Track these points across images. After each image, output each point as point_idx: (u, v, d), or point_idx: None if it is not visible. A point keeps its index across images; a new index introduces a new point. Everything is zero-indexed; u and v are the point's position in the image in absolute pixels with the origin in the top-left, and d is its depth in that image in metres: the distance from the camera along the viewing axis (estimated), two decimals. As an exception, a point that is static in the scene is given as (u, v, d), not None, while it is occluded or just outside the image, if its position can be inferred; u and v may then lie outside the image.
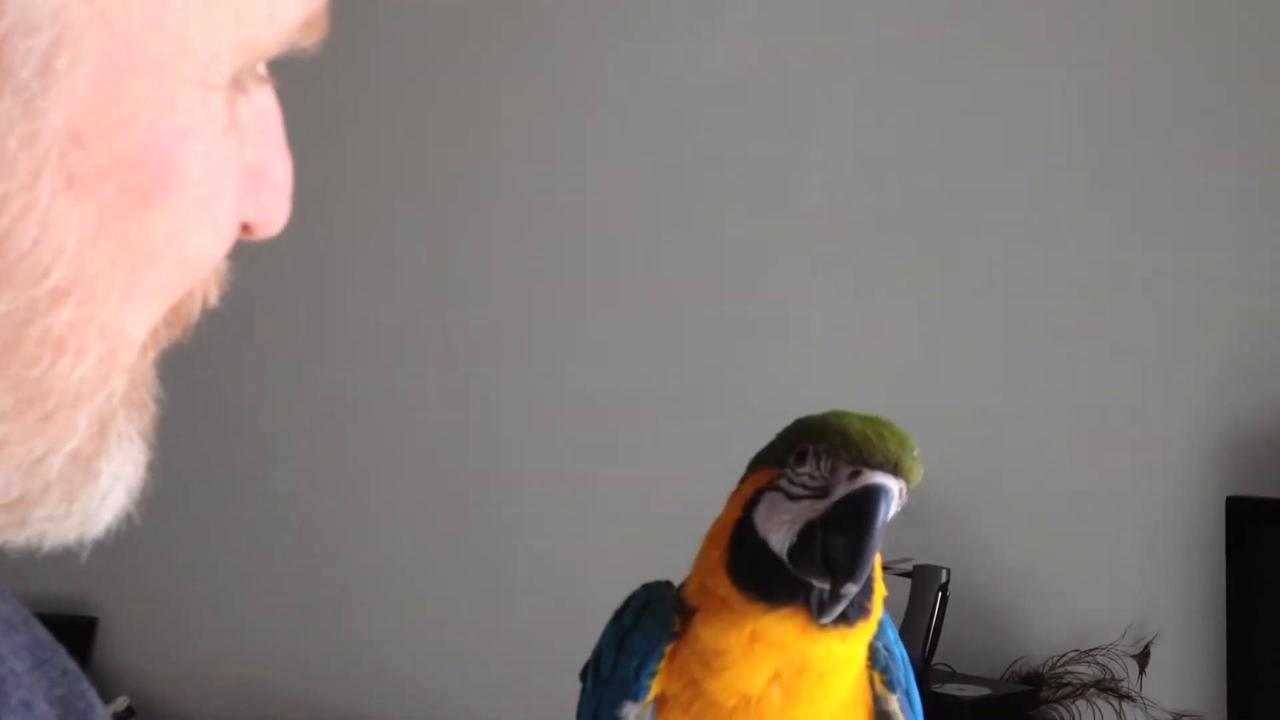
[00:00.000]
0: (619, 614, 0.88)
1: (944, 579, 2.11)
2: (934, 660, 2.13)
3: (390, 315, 2.57)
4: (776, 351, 2.40)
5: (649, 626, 0.84)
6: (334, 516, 2.56)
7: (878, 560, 0.79)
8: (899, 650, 0.86)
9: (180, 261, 0.38)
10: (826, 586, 0.76)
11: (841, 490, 0.77)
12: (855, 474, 0.77)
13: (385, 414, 2.55)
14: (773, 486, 0.80)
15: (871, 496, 0.76)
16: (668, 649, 0.82)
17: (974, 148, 2.34)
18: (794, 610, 0.77)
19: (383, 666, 2.50)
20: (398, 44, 2.58)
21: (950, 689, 2.10)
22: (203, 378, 2.45)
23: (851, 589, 0.76)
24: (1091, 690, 2.16)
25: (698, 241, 2.44)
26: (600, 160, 2.49)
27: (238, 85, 0.39)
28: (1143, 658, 2.18)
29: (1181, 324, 2.25)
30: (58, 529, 0.38)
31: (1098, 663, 2.18)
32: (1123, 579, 2.24)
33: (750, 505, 0.81)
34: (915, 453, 0.78)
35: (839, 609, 0.76)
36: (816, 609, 0.77)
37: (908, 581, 2.12)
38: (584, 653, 0.89)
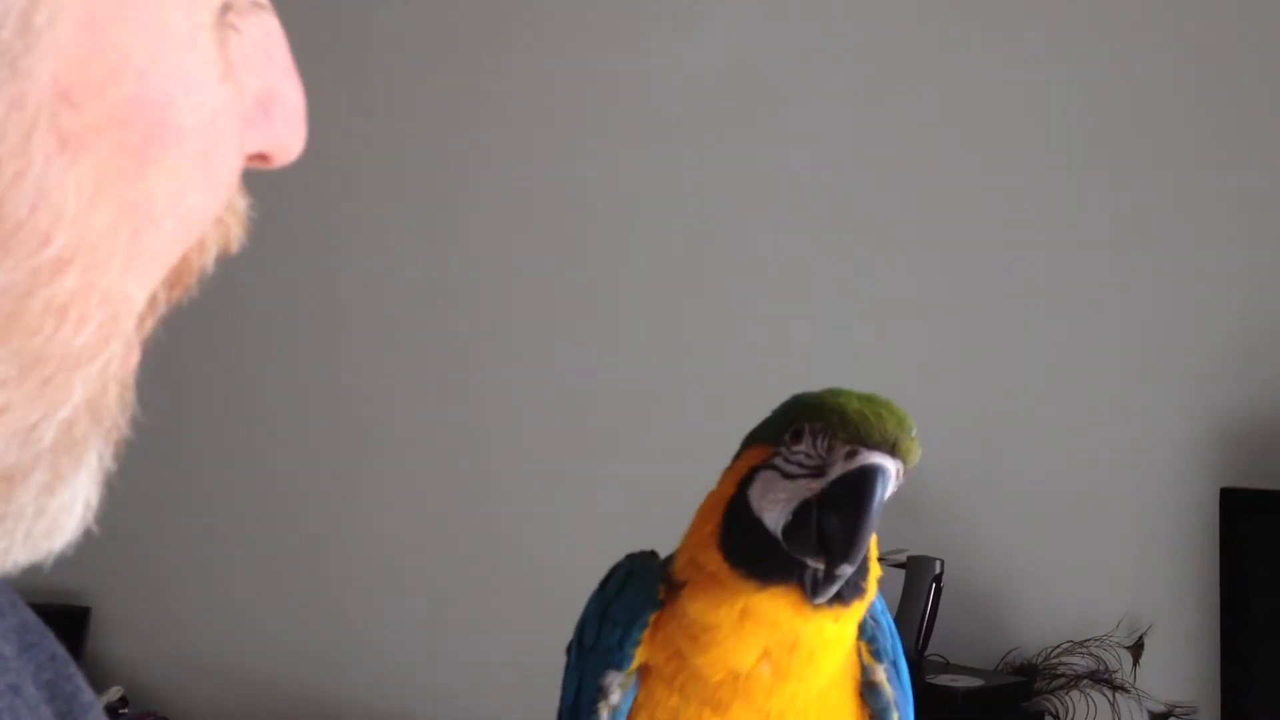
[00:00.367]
0: (603, 584, 0.87)
1: (938, 570, 2.11)
2: (928, 651, 2.14)
3: (380, 306, 2.57)
4: (770, 347, 2.39)
5: (632, 596, 0.83)
6: (325, 508, 2.56)
7: (873, 540, 0.78)
8: (886, 620, 0.85)
9: (180, 222, 0.37)
10: (821, 567, 0.75)
11: (838, 470, 0.76)
12: (852, 454, 0.75)
13: (375, 408, 2.55)
14: (768, 464, 0.79)
15: (868, 477, 0.75)
16: (652, 618, 0.81)
17: (971, 143, 2.34)
18: (787, 589, 0.76)
19: (373, 656, 2.50)
20: (386, 37, 2.57)
21: (944, 680, 2.10)
22: (195, 371, 2.44)
23: (847, 570, 0.74)
24: (1085, 681, 2.16)
25: (690, 237, 2.44)
26: (589, 154, 2.49)
27: (229, 23, 0.37)
28: (1136, 649, 2.18)
29: (1175, 317, 2.26)
30: (27, 531, 0.37)
31: (1091, 654, 2.18)
32: (1117, 570, 2.24)
33: (744, 482, 0.80)
34: (913, 433, 0.76)
35: (833, 590, 0.75)
36: (810, 589, 0.75)
37: (902, 573, 2.12)
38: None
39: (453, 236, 2.54)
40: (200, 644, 2.59)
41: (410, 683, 2.48)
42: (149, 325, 0.39)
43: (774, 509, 0.77)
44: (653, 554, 0.87)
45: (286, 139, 0.41)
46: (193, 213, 0.38)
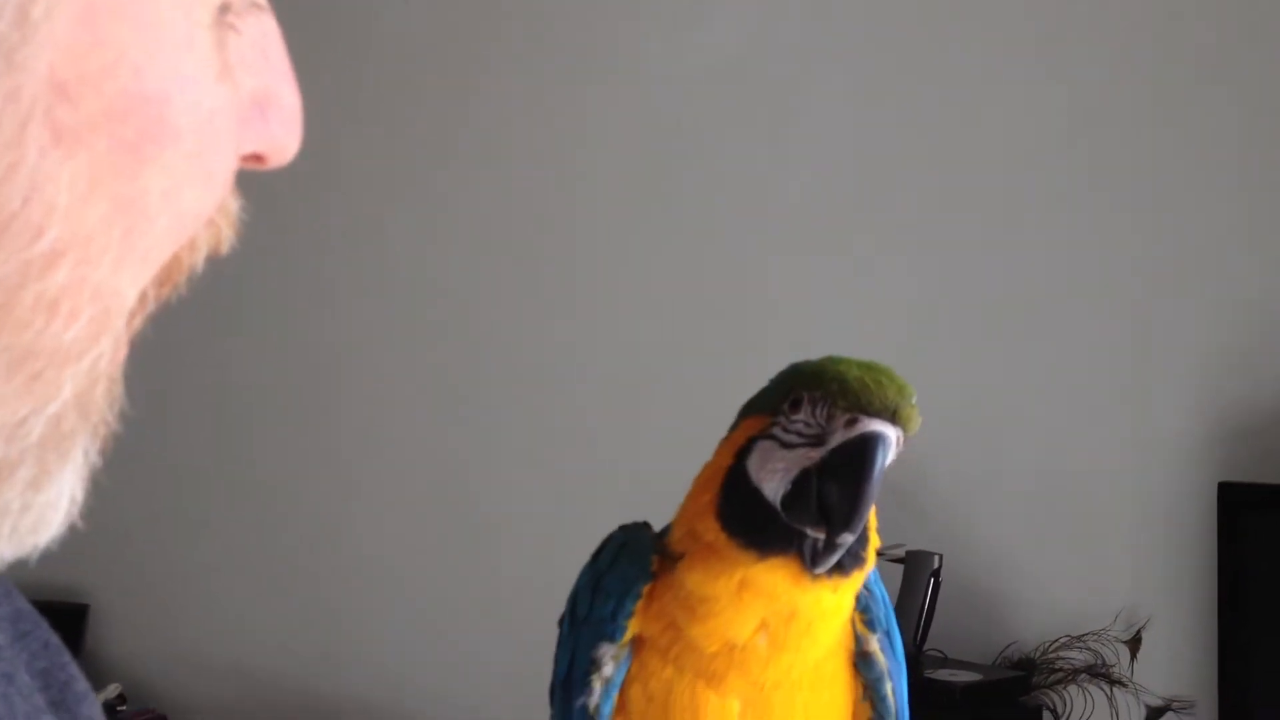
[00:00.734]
0: (595, 555, 0.86)
1: (936, 565, 2.11)
2: (926, 646, 2.13)
3: (380, 306, 2.57)
4: (767, 341, 2.39)
5: (625, 568, 0.82)
6: (323, 505, 2.56)
7: (872, 509, 0.77)
8: (879, 590, 0.84)
9: (174, 220, 0.37)
10: (821, 536, 0.74)
11: (838, 438, 0.75)
12: (852, 422, 0.75)
13: (373, 405, 2.55)
14: (766, 434, 0.78)
15: (869, 445, 0.74)
16: (645, 590, 0.81)
17: (968, 137, 2.35)
18: (785, 559, 0.75)
19: (372, 653, 2.50)
20: (386, 37, 2.58)
21: (942, 674, 2.10)
22: (193, 368, 2.45)
23: (848, 538, 0.74)
24: (1083, 676, 2.16)
25: (687, 233, 2.44)
26: (587, 150, 2.49)
27: (228, 23, 0.37)
28: (1134, 643, 2.18)
29: (1173, 312, 2.26)
30: (13, 527, 0.37)
31: (1089, 648, 2.18)
32: (1114, 565, 2.25)
33: (742, 452, 0.79)
34: (913, 400, 0.76)
35: (834, 559, 0.74)
36: (810, 559, 0.75)
37: (900, 567, 2.12)
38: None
39: (453, 236, 2.55)
40: (199, 641, 2.58)
41: (408, 680, 2.48)
42: (138, 322, 0.39)
43: (773, 479, 0.76)
44: (646, 525, 0.86)
45: (282, 140, 0.41)
46: (186, 211, 0.37)
